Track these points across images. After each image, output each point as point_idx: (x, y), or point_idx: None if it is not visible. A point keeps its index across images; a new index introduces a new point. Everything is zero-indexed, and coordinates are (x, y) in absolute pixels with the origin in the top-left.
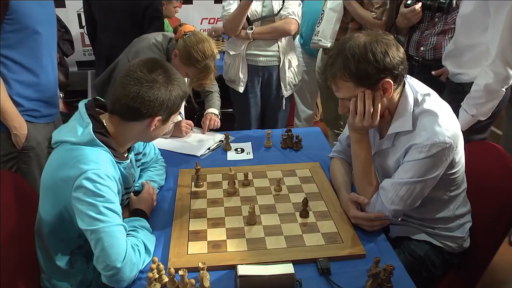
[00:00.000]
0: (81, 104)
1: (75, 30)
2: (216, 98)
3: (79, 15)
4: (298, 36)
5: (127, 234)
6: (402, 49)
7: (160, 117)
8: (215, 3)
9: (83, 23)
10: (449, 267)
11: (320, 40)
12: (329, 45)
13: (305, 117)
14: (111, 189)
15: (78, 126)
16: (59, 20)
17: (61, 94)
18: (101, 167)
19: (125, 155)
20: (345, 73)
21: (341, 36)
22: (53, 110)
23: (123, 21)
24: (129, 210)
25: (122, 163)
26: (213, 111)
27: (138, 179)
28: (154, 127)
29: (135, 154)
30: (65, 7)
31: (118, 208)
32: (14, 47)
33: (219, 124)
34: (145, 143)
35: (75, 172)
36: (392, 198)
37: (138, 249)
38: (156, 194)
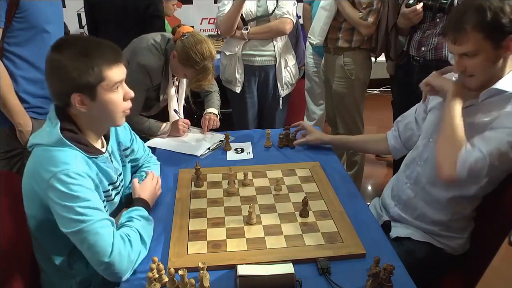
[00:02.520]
0: (52, 106)
1: (75, 30)
2: (215, 98)
3: (79, 15)
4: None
5: (123, 225)
6: None
7: (77, 94)
8: (215, 3)
9: (83, 23)
10: (449, 267)
11: (309, 37)
12: (315, 42)
13: (317, 118)
14: (84, 187)
15: (48, 127)
16: None
17: None
18: (70, 167)
19: (103, 149)
20: (478, 24)
21: (333, 35)
22: None
23: (124, 21)
24: (132, 198)
25: (98, 157)
26: (213, 111)
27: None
28: (82, 105)
29: (122, 150)
30: (65, 7)
31: (97, 203)
32: (22, 44)
33: (218, 124)
34: (131, 139)
35: (47, 175)
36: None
37: (129, 239)
38: (160, 184)
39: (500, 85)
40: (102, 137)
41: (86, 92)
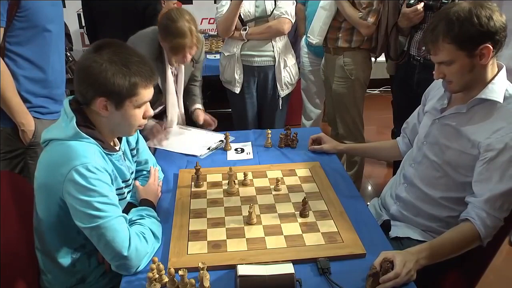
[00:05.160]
0: (66, 101)
1: (75, 30)
2: (200, 94)
3: (79, 15)
4: (304, 37)
5: (134, 222)
6: (504, 15)
7: (104, 99)
8: (215, 3)
9: (83, 23)
10: (449, 267)
11: (309, 37)
12: (315, 41)
13: (314, 117)
14: (103, 181)
15: (63, 122)
16: None
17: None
18: (89, 160)
19: (116, 147)
20: (447, 36)
21: (333, 35)
22: (59, 107)
23: (123, 21)
24: (136, 200)
25: (113, 154)
26: (201, 107)
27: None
28: (104, 110)
29: (130, 149)
30: (65, 7)
31: (114, 199)
32: (24, 44)
33: (216, 123)
34: (137, 140)
35: (65, 168)
36: (503, 206)
37: (144, 236)
38: (161, 187)
39: (484, 94)
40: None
41: (114, 100)
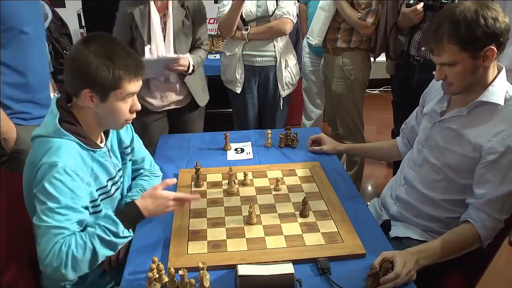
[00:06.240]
0: (53, 99)
1: (75, 30)
2: (200, 54)
3: (79, 15)
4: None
5: (85, 233)
6: (507, 17)
7: (88, 91)
8: (215, 3)
9: (83, 23)
10: (450, 267)
11: (308, 38)
12: (314, 43)
13: (315, 117)
14: (64, 185)
15: (48, 119)
16: (54, 13)
17: (55, 94)
18: (61, 161)
19: (101, 144)
20: (453, 36)
21: (332, 35)
22: (45, 111)
23: None
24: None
25: (96, 151)
26: (190, 59)
27: (132, 188)
28: (90, 102)
29: (124, 148)
30: (65, 7)
31: (66, 206)
32: (0, 48)
33: (185, 68)
34: (132, 139)
35: (39, 164)
36: (503, 207)
37: (73, 253)
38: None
39: (485, 97)
40: (102, 133)
41: (99, 92)
